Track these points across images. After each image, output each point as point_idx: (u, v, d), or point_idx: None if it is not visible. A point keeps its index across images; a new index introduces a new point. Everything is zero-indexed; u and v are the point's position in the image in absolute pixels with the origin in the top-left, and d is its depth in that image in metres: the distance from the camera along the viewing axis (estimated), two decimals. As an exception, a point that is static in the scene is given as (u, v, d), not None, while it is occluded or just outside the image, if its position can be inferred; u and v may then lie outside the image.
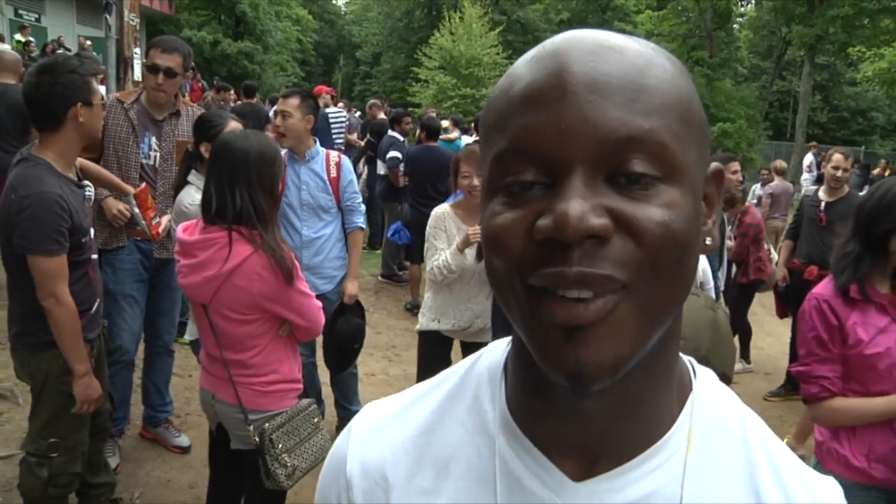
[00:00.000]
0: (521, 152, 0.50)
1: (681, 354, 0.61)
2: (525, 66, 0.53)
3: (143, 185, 3.36)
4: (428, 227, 3.41)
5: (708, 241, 0.57)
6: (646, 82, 0.50)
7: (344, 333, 3.62)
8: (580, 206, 0.47)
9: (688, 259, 0.51)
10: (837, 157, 5.02)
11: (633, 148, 0.49)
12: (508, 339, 0.66)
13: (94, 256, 2.69)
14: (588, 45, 0.51)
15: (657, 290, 0.50)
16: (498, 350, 0.67)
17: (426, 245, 3.43)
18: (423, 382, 0.71)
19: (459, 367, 0.69)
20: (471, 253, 3.26)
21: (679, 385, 0.60)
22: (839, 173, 4.96)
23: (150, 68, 3.36)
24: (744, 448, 0.60)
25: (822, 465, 2.32)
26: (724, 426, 0.60)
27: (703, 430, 0.59)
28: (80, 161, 3.01)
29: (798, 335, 2.34)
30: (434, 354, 3.51)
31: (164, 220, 3.42)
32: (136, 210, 3.30)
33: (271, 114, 5.70)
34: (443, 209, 3.41)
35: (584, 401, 0.54)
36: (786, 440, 4.40)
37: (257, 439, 2.28)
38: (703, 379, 0.63)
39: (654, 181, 0.49)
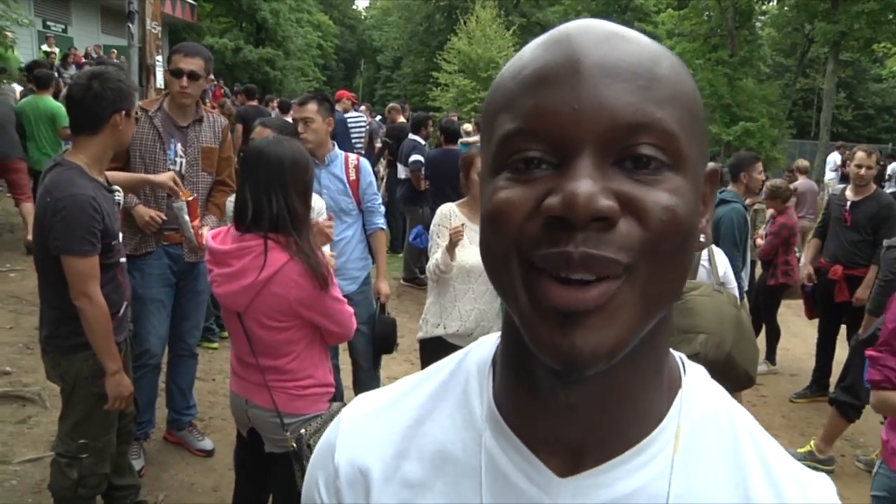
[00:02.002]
0: (531, 132, 0.50)
1: (672, 351, 0.61)
2: (536, 49, 0.53)
3: (194, 195, 3.40)
4: (432, 225, 3.35)
5: (702, 238, 0.57)
6: (658, 72, 0.50)
7: (383, 333, 3.76)
8: (590, 186, 0.47)
9: (688, 247, 0.51)
10: (860, 154, 4.96)
11: (643, 133, 0.49)
12: (497, 334, 0.66)
13: (123, 260, 2.74)
14: (601, 32, 0.52)
15: (657, 276, 0.49)
16: (487, 345, 0.66)
17: (430, 243, 3.37)
18: (413, 375, 0.71)
19: (449, 361, 0.69)
20: (461, 252, 3.17)
21: (669, 381, 0.60)
22: (863, 171, 4.90)
23: (174, 72, 3.42)
24: (733, 446, 0.59)
25: (886, 465, 2.35)
26: (714, 424, 0.60)
27: (691, 427, 0.59)
28: (131, 176, 3.11)
29: (887, 323, 2.38)
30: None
31: (207, 231, 3.46)
32: (187, 218, 3.33)
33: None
34: (448, 207, 3.34)
35: (571, 394, 0.54)
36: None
37: (294, 445, 2.28)
38: (693, 375, 0.63)
39: (661, 167, 0.50)
